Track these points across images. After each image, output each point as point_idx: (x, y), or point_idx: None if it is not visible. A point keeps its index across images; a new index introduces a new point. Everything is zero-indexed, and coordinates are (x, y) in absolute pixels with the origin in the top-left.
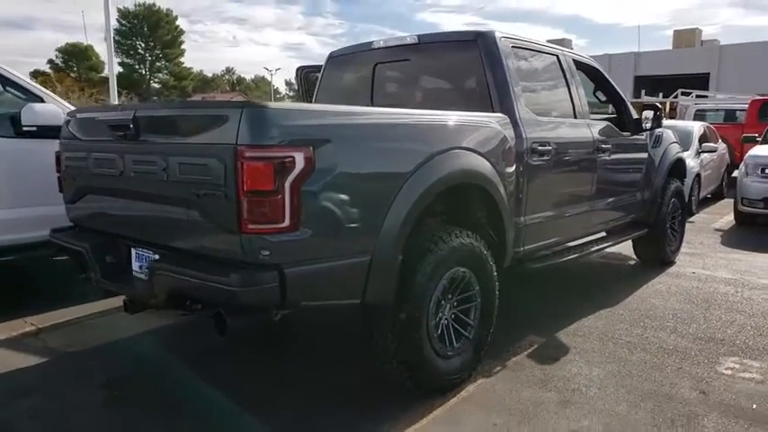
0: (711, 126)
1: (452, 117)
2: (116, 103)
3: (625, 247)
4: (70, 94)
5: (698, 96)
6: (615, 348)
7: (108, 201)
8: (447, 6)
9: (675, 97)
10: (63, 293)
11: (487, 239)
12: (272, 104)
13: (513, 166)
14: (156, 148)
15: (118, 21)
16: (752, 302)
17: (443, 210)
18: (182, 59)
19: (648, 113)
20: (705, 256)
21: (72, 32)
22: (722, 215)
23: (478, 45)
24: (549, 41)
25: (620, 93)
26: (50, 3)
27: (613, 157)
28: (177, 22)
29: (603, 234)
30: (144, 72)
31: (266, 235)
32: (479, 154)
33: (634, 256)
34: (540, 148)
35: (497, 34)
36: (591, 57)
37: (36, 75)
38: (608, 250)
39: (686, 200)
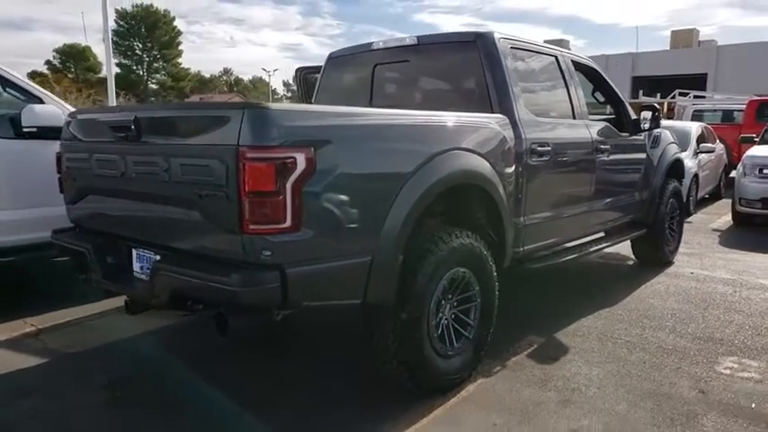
0: (709, 126)
1: (452, 118)
2: (114, 104)
3: (624, 248)
4: (68, 94)
5: (695, 97)
6: (614, 348)
7: (109, 202)
8: (445, 7)
9: (673, 98)
10: (63, 294)
11: (487, 240)
12: (274, 105)
13: (513, 167)
14: (158, 149)
15: (116, 21)
16: (750, 302)
17: (443, 210)
18: (179, 60)
19: (647, 114)
20: (703, 256)
21: (70, 33)
22: (720, 215)
23: (478, 46)
24: (546, 42)
25: (619, 93)
26: (49, 4)
27: (612, 157)
28: (175, 23)
29: (602, 234)
30: (142, 73)
31: (268, 235)
32: (479, 154)
33: (632, 257)
34: (539, 148)
35: (496, 35)
36: (588, 57)
37: (33, 76)
38: (607, 250)
39: (684, 200)
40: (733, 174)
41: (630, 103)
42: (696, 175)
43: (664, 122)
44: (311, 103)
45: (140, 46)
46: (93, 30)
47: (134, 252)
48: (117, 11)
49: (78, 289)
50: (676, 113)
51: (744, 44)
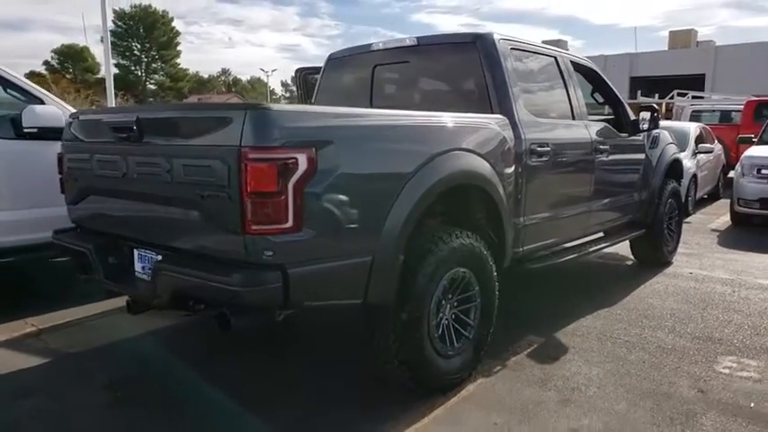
0: (707, 127)
1: (452, 118)
2: (113, 105)
3: (622, 248)
4: (66, 95)
5: (694, 97)
6: (614, 348)
7: (110, 202)
8: (442, 7)
9: (671, 98)
10: (62, 295)
11: (487, 240)
12: (276, 106)
13: (512, 167)
14: (160, 149)
15: (114, 22)
16: (749, 302)
17: (443, 210)
18: (178, 61)
19: (645, 115)
20: (702, 256)
21: (68, 34)
22: (718, 216)
23: (477, 47)
24: (544, 43)
25: (618, 94)
26: (46, 4)
27: (611, 157)
28: (173, 24)
29: (601, 234)
30: (140, 73)
31: (269, 235)
32: (479, 155)
33: (631, 257)
34: (538, 149)
35: (496, 36)
36: (587, 58)
37: (31, 76)
38: (606, 251)
39: (683, 200)
40: (731, 174)
41: (629, 104)
42: (695, 176)
43: (662, 123)
44: (311, 103)
45: (138, 46)
46: (91, 30)
47: (135, 252)
48: (115, 11)
49: (78, 289)
50: (674, 114)
51: (742, 45)
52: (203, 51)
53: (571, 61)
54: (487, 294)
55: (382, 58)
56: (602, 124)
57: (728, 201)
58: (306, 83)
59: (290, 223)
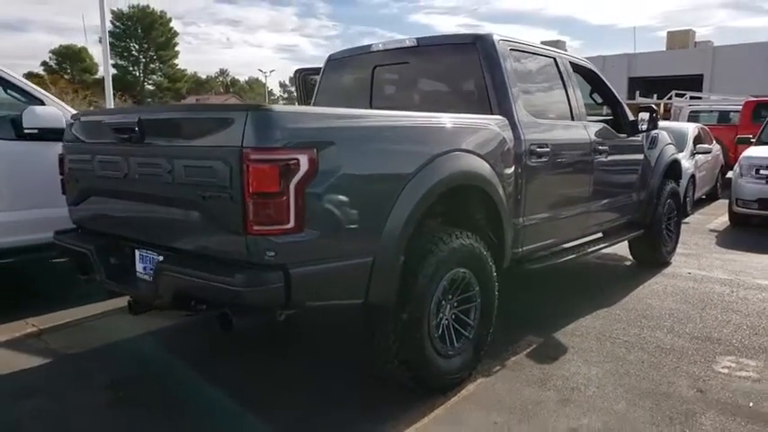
0: (706, 127)
1: (452, 119)
2: (112, 105)
3: (621, 248)
4: (64, 96)
5: (692, 98)
6: (613, 348)
7: (112, 203)
8: (440, 8)
9: (669, 99)
10: (62, 295)
11: (487, 240)
12: (277, 107)
13: (512, 168)
14: (162, 150)
15: (112, 22)
16: (747, 302)
17: (443, 211)
18: (176, 61)
19: (644, 115)
20: (700, 256)
21: (66, 34)
22: (717, 216)
23: (477, 48)
24: (542, 43)
25: (616, 95)
26: (44, 5)
27: (610, 158)
28: (171, 24)
29: (600, 235)
30: (138, 74)
31: (271, 236)
32: (479, 156)
33: (630, 257)
34: (538, 149)
35: (496, 37)
36: (585, 58)
37: (29, 77)
38: (604, 251)
39: (681, 201)
40: (729, 174)
41: (627, 104)
42: (693, 176)
43: (660, 123)
44: (310, 104)
45: (137, 47)
46: (89, 31)
47: (137, 253)
48: (113, 12)
49: (78, 290)
50: (672, 114)
51: (740, 45)
52: (201, 52)
53: (570, 62)
54: (487, 295)
55: (382, 59)
56: (601, 125)
57: (727, 201)
58: (305, 84)
59: (291, 224)
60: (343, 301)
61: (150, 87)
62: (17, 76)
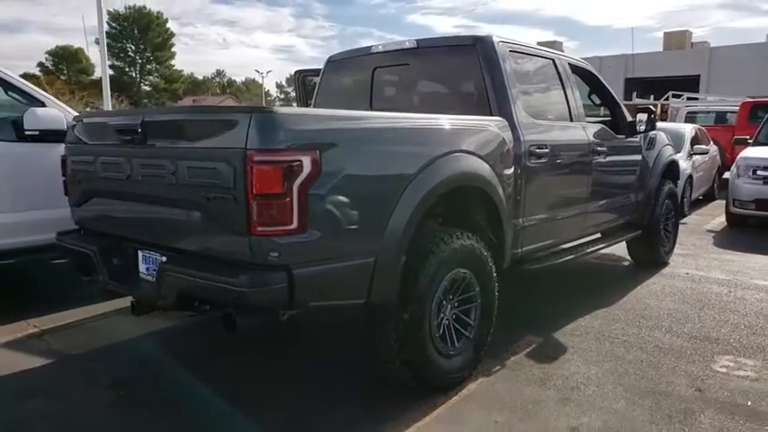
0: (703, 128)
1: (453, 121)
2: (110, 107)
3: (619, 249)
4: (60, 97)
5: (689, 99)
6: (612, 347)
7: (114, 204)
8: (437, 8)
9: (666, 99)
10: (63, 296)
11: (487, 241)
12: (280, 109)
13: (512, 169)
14: (165, 152)
15: (108, 23)
16: (745, 302)
17: (444, 212)
18: (172, 62)
19: (642, 116)
20: (698, 257)
21: (63, 35)
22: (714, 216)
23: (477, 49)
24: (539, 44)
25: (615, 96)
26: (41, 6)
27: (608, 159)
28: (167, 25)
29: (599, 235)
30: (134, 75)
31: (275, 237)
32: (479, 157)
33: (628, 258)
34: (537, 150)
35: (495, 38)
36: (583, 59)
37: (25, 78)
38: (602, 252)
39: (679, 201)
40: (726, 175)
41: (624, 105)
42: (690, 177)
43: (658, 124)
44: (310, 105)
45: (133, 48)
46: (83, 32)
47: (140, 253)
48: (109, 12)
49: (78, 291)
50: (669, 115)
51: (736, 46)
52: (198, 53)
53: (569, 63)
54: (487, 295)
55: (382, 60)
56: (600, 126)
57: (724, 202)
58: (304, 85)
59: (294, 225)
60: (345, 302)
61: (147, 88)
62: (18, 78)
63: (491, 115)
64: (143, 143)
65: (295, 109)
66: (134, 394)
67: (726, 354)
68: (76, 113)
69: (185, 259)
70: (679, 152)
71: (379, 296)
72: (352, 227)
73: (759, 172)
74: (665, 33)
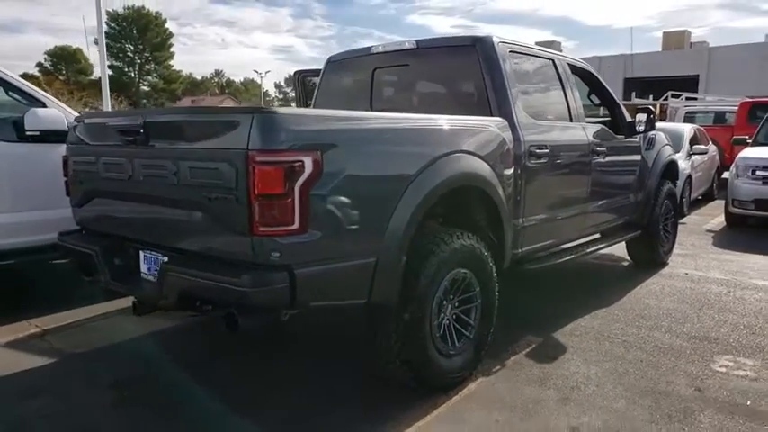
0: (702, 128)
1: (454, 121)
2: (109, 107)
3: (619, 249)
4: (59, 97)
5: (688, 99)
6: (611, 347)
7: (116, 204)
8: (436, 8)
9: (665, 99)
10: (62, 296)
11: (487, 241)
12: (282, 110)
13: (512, 169)
14: (167, 152)
15: (107, 23)
16: (744, 302)
17: (444, 212)
18: (171, 62)
19: (642, 116)
20: (697, 257)
21: (62, 35)
22: (713, 216)
23: (477, 50)
24: (538, 44)
25: (614, 96)
26: (40, 6)
27: (608, 159)
28: (166, 25)
29: (598, 236)
30: (133, 75)
31: (276, 237)
32: (479, 157)
33: (627, 258)
34: (537, 151)
35: (495, 39)
36: (581, 59)
37: (24, 78)
38: (602, 252)
39: (678, 202)
40: (725, 175)
41: (623, 105)
42: (689, 177)
43: (657, 124)
44: (310, 106)
45: (132, 48)
46: (84, 32)
47: (141, 254)
48: (108, 12)
49: (79, 291)
50: (668, 115)
51: (735, 45)
52: (196, 53)
53: (568, 64)
54: (488, 295)
55: (382, 61)
56: (599, 126)
57: (723, 202)
58: (304, 85)
59: (296, 225)
60: (346, 302)
61: (145, 88)
62: (19, 79)
63: (491, 116)
64: (145, 144)
65: (296, 110)
66: (135, 394)
67: (725, 353)
68: (77, 114)
69: (187, 259)
70: (678, 152)
71: (380, 296)
72: (354, 227)
73: (758, 172)
74: (663, 33)
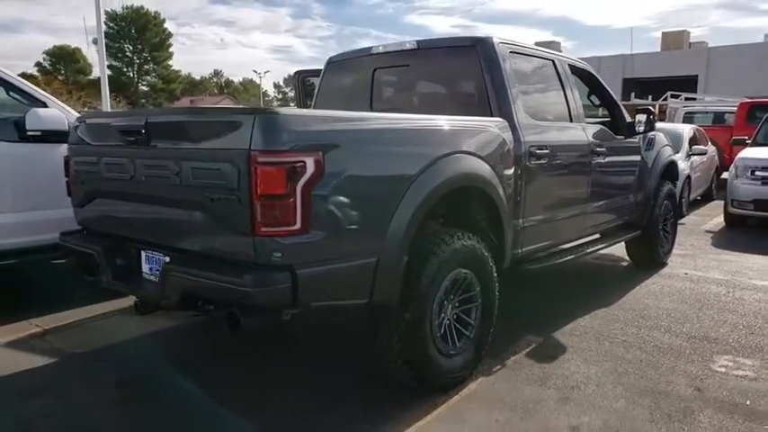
0: (701, 129)
1: (454, 122)
2: (108, 107)
3: (618, 249)
4: (58, 97)
5: (687, 99)
6: (611, 347)
7: (118, 204)
8: (435, 8)
9: (665, 100)
10: (64, 296)
11: (487, 241)
12: (284, 111)
13: (512, 169)
14: (169, 153)
15: (106, 23)
16: (743, 302)
17: (445, 212)
18: (170, 62)
19: (641, 117)
20: (696, 257)
21: (61, 35)
22: (712, 217)
23: (477, 50)
24: (537, 44)
25: (614, 96)
26: (40, 6)
27: (608, 159)
28: (165, 25)
29: (598, 236)
30: (132, 75)
31: (278, 237)
32: (480, 157)
33: (627, 258)
34: (537, 151)
35: (495, 39)
36: (580, 59)
37: (23, 78)
38: (602, 252)
39: (677, 202)
40: (725, 175)
41: (622, 105)
42: (689, 177)
43: (656, 125)
44: (308, 106)
45: (131, 48)
46: (82, 32)
47: (143, 254)
48: (107, 12)
49: (80, 290)
50: (668, 116)
51: (734, 46)
52: (195, 53)
53: (569, 64)
54: (488, 295)
55: (382, 61)
56: (599, 127)
57: (722, 202)
58: (304, 85)
59: (298, 225)
60: (347, 302)
61: (144, 88)
62: (20, 79)
63: (491, 116)
64: (147, 144)
65: (298, 110)
66: (137, 394)
67: (724, 353)
68: (77, 114)
69: (189, 259)
70: (677, 153)
71: (381, 296)
72: (355, 227)
73: (757, 172)
74: (662, 33)
